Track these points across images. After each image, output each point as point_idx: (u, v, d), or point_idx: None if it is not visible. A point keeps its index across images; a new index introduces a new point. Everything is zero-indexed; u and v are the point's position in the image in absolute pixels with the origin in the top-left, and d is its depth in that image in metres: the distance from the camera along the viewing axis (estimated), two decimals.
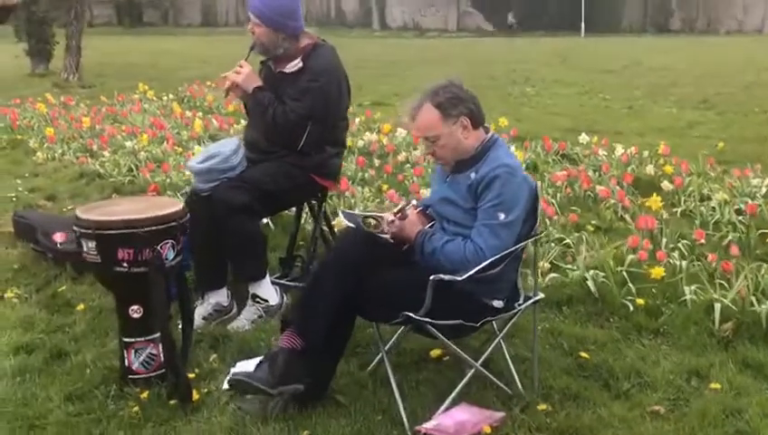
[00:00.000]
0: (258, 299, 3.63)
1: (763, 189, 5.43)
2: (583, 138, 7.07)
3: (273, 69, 3.78)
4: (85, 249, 2.89)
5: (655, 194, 4.96)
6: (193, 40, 30.75)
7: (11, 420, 2.78)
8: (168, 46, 26.47)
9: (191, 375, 3.00)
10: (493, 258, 2.63)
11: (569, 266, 4.06)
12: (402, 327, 2.97)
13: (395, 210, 2.83)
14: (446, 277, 2.56)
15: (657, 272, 3.71)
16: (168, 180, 5.90)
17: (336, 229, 4.24)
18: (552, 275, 3.95)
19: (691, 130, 9.35)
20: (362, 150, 6.91)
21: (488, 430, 2.62)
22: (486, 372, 2.84)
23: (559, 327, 3.47)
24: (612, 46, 27.42)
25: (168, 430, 2.71)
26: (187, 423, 2.76)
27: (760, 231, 4.61)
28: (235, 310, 3.70)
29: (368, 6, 45.48)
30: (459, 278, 2.58)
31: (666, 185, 5.54)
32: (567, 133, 8.30)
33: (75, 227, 2.90)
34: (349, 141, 5.52)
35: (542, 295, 3.00)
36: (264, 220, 4.24)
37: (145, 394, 2.89)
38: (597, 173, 6.11)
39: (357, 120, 8.17)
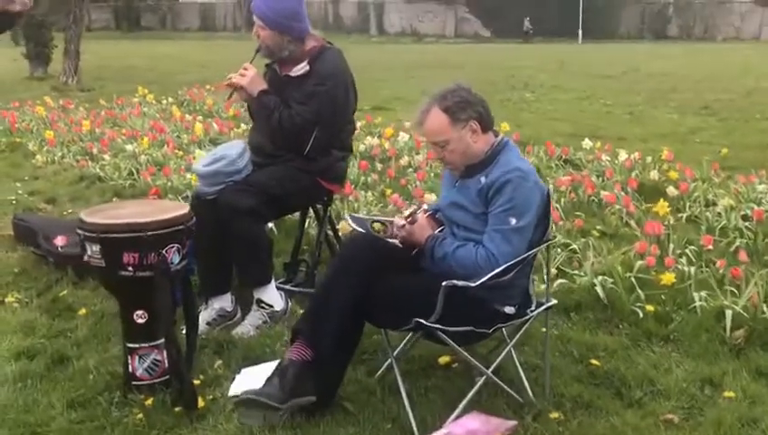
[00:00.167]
0: (263, 304, 3.57)
1: None
2: (587, 143, 7.05)
3: (278, 72, 3.73)
4: (89, 253, 2.83)
5: (662, 200, 4.93)
6: (191, 44, 30.74)
7: (12, 427, 2.72)
8: (166, 50, 26.47)
9: (196, 382, 2.95)
10: (506, 265, 2.58)
11: (576, 272, 4.03)
12: (411, 333, 2.93)
13: (405, 215, 2.79)
14: (460, 283, 2.51)
15: (668, 278, 3.68)
16: (170, 184, 5.85)
17: (341, 233, 4.20)
18: (560, 280, 3.91)
19: (693, 136, 9.35)
20: (364, 155, 6.87)
21: None
22: (497, 380, 2.79)
23: (568, 334, 3.42)
24: (610, 53, 27.52)
25: None
26: (193, 431, 2.70)
27: None
28: (239, 315, 3.65)
29: (366, 12, 45.52)
30: (473, 284, 2.53)
31: (671, 190, 5.50)
32: (569, 139, 8.29)
33: (79, 231, 2.84)
34: None
35: (554, 301, 2.95)
36: (269, 225, 4.19)
37: (149, 401, 2.83)
38: (601, 179, 6.08)
39: (358, 124, 8.12)
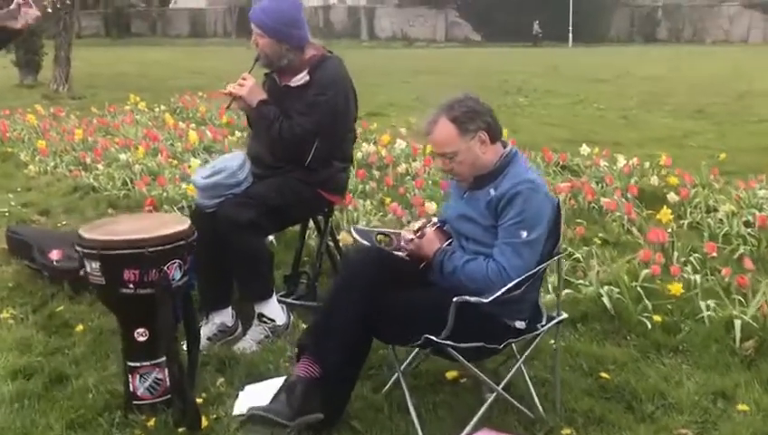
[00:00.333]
0: (264, 319, 3.51)
1: None
2: (584, 149, 7.02)
3: (277, 81, 3.67)
4: (89, 270, 2.76)
5: (665, 207, 4.89)
6: (182, 50, 30.65)
7: None
8: (156, 57, 26.36)
9: (198, 400, 2.87)
10: (518, 279, 2.53)
11: (581, 282, 3.98)
12: (418, 349, 2.87)
13: (414, 228, 2.72)
14: (472, 299, 2.45)
15: (676, 289, 3.63)
16: (165, 194, 5.77)
17: (341, 244, 4.13)
18: (566, 291, 3.85)
19: (689, 141, 9.34)
20: (361, 162, 6.81)
21: None
22: (508, 396, 2.73)
23: (576, 346, 3.37)
24: (601, 56, 27.59)
25: None
26: None
27: None
28: (240, 330, 3.58)
29: (356, 17, 45.52)
30: (485, 300, 2.47)
31: (672, 197, 5.47)
32: (566, 144, 8.25)
33: (78, 248, 2.77)
34: None
35: (565, 315, 2.90)
36: (270, 237, 4.12)
37: (151, 422, 2.76)
38: (600, 185, 6.05)
39: None
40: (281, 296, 3.76)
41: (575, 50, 33.85)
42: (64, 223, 5.56)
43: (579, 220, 5.16)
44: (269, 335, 3.49)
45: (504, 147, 2.77)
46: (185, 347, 3.02)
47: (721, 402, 2.90)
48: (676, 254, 4.34)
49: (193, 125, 9.20)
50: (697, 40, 40.14)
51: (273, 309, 3.54)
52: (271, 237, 4.22)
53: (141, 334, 2.83)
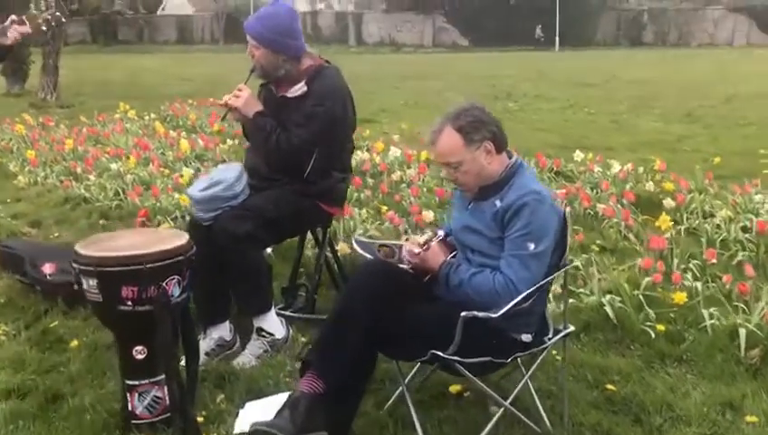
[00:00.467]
0: (263, 333, 3.45)
1: (767, 206, 5.36)
2: (578, 155, 7.00)
3: (274, 92, 3.62)
4: (85, 287, 2.69)
5: (664, 214, 4.87)
6: (170, 57, 30.52)
7: None
8: (145, 64, 26.23)
9: (199, 419, 2.81)
10: (526, 292, 2.48)
11: (582, 291, 3.94)
12: (420, 363, 2.82)
13: (421, 241, 2.68)
14: (480, 314, 2.40)
15: (680, 298, 3.60)
16: (158, 205, 5.69)
17: (340, 255, 4.08)
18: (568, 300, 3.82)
19: (681, 145, 9.35)
20: (356, 170, 6.74)
21: None
22: (515, 410, 2.69)
23: (579, 357, 3.33)
24: (588, 60, 27.67)
25: None
26: None
27: None
28: (238, 344, 3.52)
29: (344, 23, 45.51)
30: (494, 315, 2.42)
31: (668, 202, 5.45)
32: (559, 150, 8.25)
33: (75, 264, 2.70)
34: None
35: (572, 328, 2.86)
36: (268, 250, 4.06)
37: None
38: (595, 191, 6.03)
39: None
40: (279, 309, 3.70)
41: (562, 54, 33.95)
42: (56, 235, 5.48)
43: (576, 227, 5.13)
44: (268, 350, 3.43)
45: (510, 157, 2.73)
46: (183, 362, 2.96)
47: (729, 414, 2.87)
48: (675, 261, 4.32)
49: (184, 133, 9.12)
50: (683, 43, 40.41)
51: (272, 323, 3.48)
52: (269, 250, 4.16)
53: (140, 352, 2.77)
